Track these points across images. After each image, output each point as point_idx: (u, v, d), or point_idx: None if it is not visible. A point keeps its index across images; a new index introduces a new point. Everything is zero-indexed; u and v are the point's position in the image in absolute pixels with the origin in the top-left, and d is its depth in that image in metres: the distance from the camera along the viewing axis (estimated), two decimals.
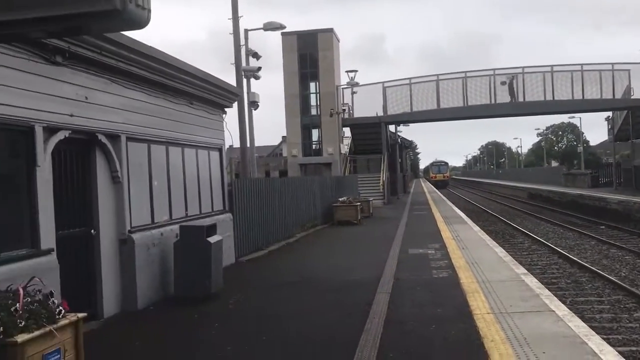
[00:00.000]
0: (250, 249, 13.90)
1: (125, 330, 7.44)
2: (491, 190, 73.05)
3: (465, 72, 37.26)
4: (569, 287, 13.11)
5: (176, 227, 9.70)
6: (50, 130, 6.83)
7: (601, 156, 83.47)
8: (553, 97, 35.50)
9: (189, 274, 8.89)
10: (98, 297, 7.92)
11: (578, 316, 7.59)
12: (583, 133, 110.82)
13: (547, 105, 35.40)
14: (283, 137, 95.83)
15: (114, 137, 8.24)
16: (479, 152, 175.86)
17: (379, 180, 34.16)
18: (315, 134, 36.91)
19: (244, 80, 17.30)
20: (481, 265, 11.12)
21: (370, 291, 9.27)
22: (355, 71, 34.76)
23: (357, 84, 31.22)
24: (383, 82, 37.48)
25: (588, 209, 33.31)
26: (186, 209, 10.61)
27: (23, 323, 4.32)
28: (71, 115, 7.15)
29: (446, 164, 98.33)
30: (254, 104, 18.24)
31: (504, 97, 36.21)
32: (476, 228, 18.56)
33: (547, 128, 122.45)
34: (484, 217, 33.07)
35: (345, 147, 36.72)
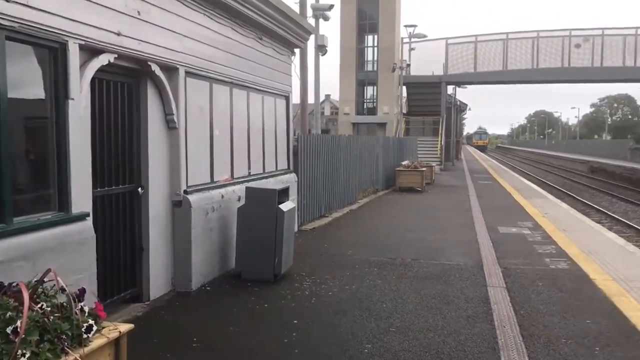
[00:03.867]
0: (313, 216, 12.10)
1: (175, 321, 5.72)
2: (544, 161, 69.65)
3: (538, 31, 34.18)
4: None
5: (239, 188, 7.94)
6: (90, 51, 5.00)
7: None
8: (635, 63, 32.25)
9: (255, 248, 7.12)
10: (144, 273, 6.22)
11: None
12: None
13: (628, 72, 32.18)
14: (326, 95, 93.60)
15: (170, 70, 6.39)
16: (525, 120, 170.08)
17: (437, 144, 31.85)
18: (370, 91, 34.47)
19: (312, 21, 15.24)
20: (603, 255, 9.04)
21: (477, 283, 7.36)
22: (415, 26, 32.17)
23: (424, 36, 28.59)
24: (446, 39, 34.76)
25: None
26: (249, 167, 8.80)
27: (28, 354, 2.54)
28: (118, 34, 5.29)
29: (486, 132, 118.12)
30: (321, 49, 16.13)
31: (578, 60, 33.13)
32: (564, 205, 16.33)
33: (601, 100, 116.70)
34: (547, 189, 30.55)
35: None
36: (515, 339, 5.29)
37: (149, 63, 5.93)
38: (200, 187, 7.04)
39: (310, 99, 17.70)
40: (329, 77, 78.59)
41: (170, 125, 6.49)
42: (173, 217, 6.64)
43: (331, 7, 15.26)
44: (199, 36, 6.93)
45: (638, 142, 65.30)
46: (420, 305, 6.34)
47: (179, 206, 6.65)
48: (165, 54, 6.16)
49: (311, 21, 14.97)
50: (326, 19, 15.67)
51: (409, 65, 30.49)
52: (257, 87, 8.94)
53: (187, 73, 6.68)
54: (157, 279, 6.38)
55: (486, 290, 7.00)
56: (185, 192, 6.68)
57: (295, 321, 5.73)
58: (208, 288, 6.93)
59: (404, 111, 35.37)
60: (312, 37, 16.32)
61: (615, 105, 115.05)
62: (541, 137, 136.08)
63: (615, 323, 5.76)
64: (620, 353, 4.98)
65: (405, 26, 32.50)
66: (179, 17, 6.44)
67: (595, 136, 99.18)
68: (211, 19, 7.25)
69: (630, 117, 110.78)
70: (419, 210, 14.86)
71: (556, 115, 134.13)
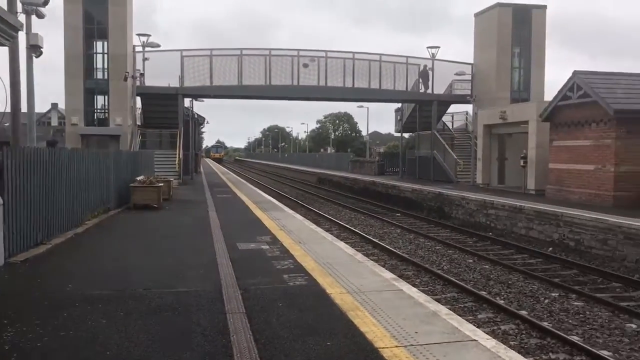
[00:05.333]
0: (26, 245, 10.25)
1: None
2: (279, 173, 73.58)
3: (270, 49, 35.67)
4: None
5: None
6: None
7: (371, 146, 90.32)
8: (353, 84, 35.71)
9: None
10: None
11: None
12: (357, 123, 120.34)
13: (347, 92, 35.49)
14: (52, 103, 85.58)
15: None
16: (261, 135, 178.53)
17: (175, 158, 30.89)
18: (100, 100, 31.91)
19: (23, 17, 13.07)
20: (336, 267, 9.30)
21: (216, 311, 6.80)
22: (149, 35, 30.86)
23: (157, 45, 27.38)
24: (181, 50, 34.09)
25: (381, 195, 34.28)
26: None
27: None
28: None
29: (222, 146, 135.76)
30: (35, 49, 13.94)
31: (306, 79, 35.43)
32: (299, 217, 16.88)
33: (326, 116, 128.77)
34: (283, 201, 31.95)
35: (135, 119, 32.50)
36: None
37: None
38: None
39: (38, 109, 15.36)
40: (56, 85, 71.88)
41: None
42: None
43: (46, 2, 13.33)
44: None
45: (356, 155, 73.23)
46: (152, 348, 5.51)
47: None
48: None
49: (22, 18, 12.93)
50: (40, 16, 13.66)
51: (142, 74, 28.96)
52: None
53: None
54: None
55: (225, 319, 6.47)
56: None
57: None
58: None
59: (139, 123, 33.68)
60: (26, 36, 14.19)
61: (337, 121, 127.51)
62: (275, 150, 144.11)
63: (354, 342, 5.71)
64: None
65: (138, 35, 30.93)
66: None
67: (321, 150, 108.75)
68: None
69: (349, 132, 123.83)
70: (155, 230, 13.85)
71: (288, 130, 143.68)
